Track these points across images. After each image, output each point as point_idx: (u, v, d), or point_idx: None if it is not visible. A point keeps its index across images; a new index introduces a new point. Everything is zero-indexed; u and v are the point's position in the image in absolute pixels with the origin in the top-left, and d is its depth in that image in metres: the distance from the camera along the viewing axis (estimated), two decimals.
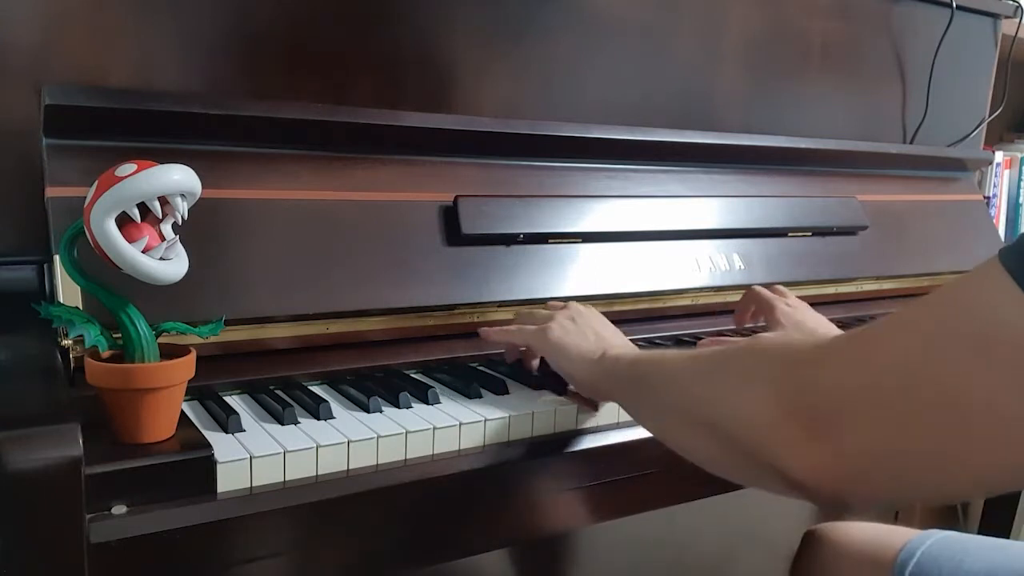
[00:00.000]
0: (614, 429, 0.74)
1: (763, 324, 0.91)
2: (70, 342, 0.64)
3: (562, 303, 0.79)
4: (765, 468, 0.46)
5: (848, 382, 0.43)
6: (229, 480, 0.57)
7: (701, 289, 1.00)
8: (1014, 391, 0.37)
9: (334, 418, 0.66)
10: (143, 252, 0.56)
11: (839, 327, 1.08)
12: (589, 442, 0.72)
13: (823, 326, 0.86)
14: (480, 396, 0.74)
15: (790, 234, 1.09)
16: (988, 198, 1.76)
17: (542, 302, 0.87)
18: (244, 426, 0.63)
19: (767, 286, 0.94)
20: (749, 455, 0.48)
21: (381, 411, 0.68)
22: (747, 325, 0.96)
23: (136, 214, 0.56)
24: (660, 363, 0.61)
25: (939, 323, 0.41)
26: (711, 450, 0.53)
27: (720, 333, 1.03)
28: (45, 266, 0.76)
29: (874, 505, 0.46)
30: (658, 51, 1.13)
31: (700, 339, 0.99)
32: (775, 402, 0.45)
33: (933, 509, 1.78)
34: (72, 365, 0.65)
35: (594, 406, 0.74)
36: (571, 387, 0.76)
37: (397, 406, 0.69)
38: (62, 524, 0.48)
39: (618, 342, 0.73)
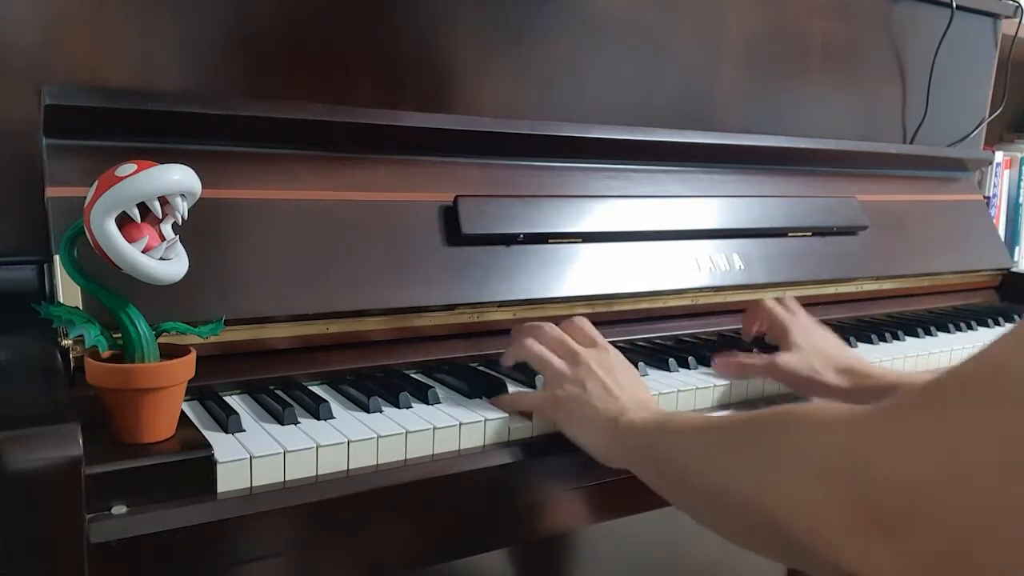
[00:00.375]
0: None
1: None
2: (70, 342, 0.64)
3: (574, 346, 0.73)
4: (827, 566, 0.42)
5: (919, 474, 0.38)
6: (229, 480, 0.57)
7: (701, 289, 1.00)
8: None
9: (334, 418, 0.66)
10: (143, 252, 0.56)
11: (839, 327, 1.09)
12: None
13: (840, 350, 0.83)
14: (480, 396, 0.74)
15: (790, 234, 1.09)
16: (988, 198, 1.76)
17: (542, 302, 0.87)
18: (244, 426, 0.63)
19: (774, 294, 0.92)
20: (802, 549, 0.43)
21: (381, 411, 0.68)
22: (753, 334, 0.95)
23: (136, 214, 0.56)
24: (682, 435, 0.57)
25: (996, 386, 0.37)
26: (753, 537, 0.49)
27: (720, 335, 1.03)
28: (45, 266, 0.76)
29: None
30: (658, 51, 1.13)
31: (702, 340, 0.99)
32: (829, 493, 0.41)
33: None
34: (72, 365, 0.65)
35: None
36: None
37: (397, 406, 0.69)
38: (62, 524, 0.48)
39: (634, 401, 0.67)
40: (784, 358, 0.81)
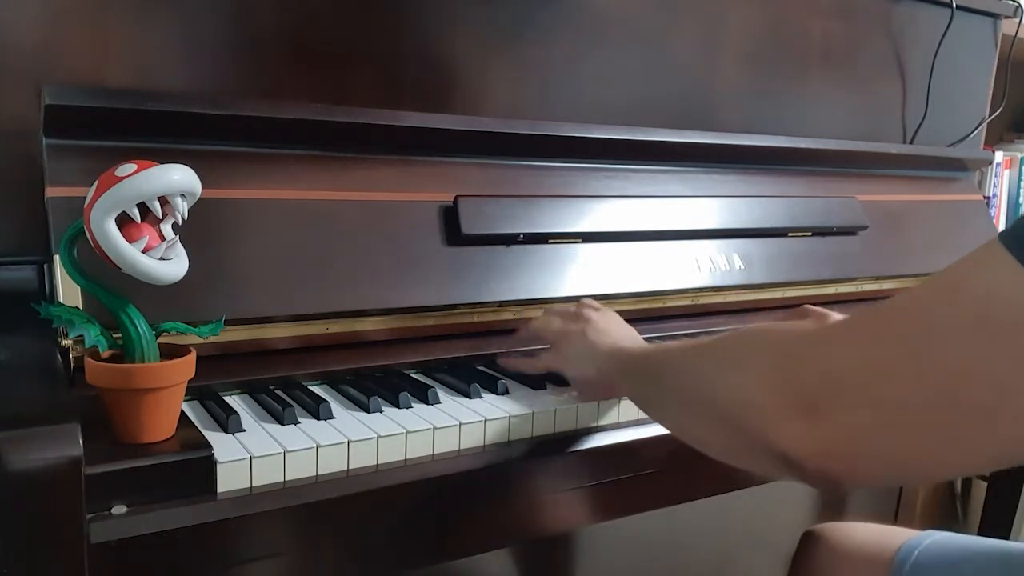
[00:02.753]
0: (614, 429, 0.74)
1: None
2: (70, 342, 0.64)
3: (575, 305, 0.79)
4: (762, 449, 0.47)
5: (845, 360, 0.43)
6: (229, 480, 0.57)
7: (701, 289, 1.00)
8: (1017, 367, 0.37)
9: (334, 418, 0.66)
10: (143, 252, 0.56)
11: None
12: (589, 442, 0.72)
13: None
14: (480, 396, 0.74)
15: (790, 234, 1.09)
16: (988, 198, 1.76)
17: (542, 302, 0.87)
18: (244, 426, 0.63)
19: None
20: (747, 436, 0.48)
21: (381, 411, 0.68)
22: None
23: (136, 214, 0.56)
24: (666, 351, 0.62)
25: (939, 304, 0.41)
26: (712, 435, 0.54)
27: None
28: (45, 266, 0.76)
29: (867, 484, 0.47)
30: (658, 51, 1.13)
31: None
32: (771, 380, 0.46)
33: (933, 509, 1.78)
34: (72, 365, 0.65)
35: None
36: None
37: (397, 406, 0.69)
38: (62, 524, 0.48)
39: (630, 337, 0.73)
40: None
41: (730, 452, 0.53)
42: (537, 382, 0.78)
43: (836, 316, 0.88)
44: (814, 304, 0.92)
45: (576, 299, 0.90)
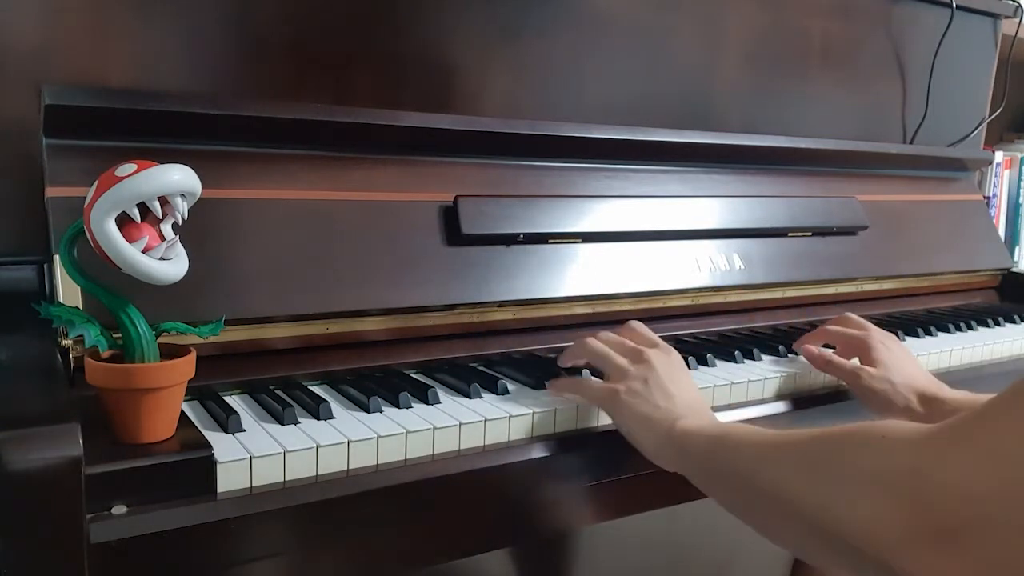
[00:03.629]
0: (614, 429, 0.74)
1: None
2: (70, 342, 0.64)
3: (637, 344, 0.74)
4: (881, 570, 0.43)
5: (978, 484, 0.39)
6: (229, 480, 0.57)
7: (701, 289, 1.00)
8: None
9: (334, 418, 0.66)
10: (143, 252, 0.56)
11: None
12: (589, 442, 0.72)
13: (920, 372, 0.83)
14: (480, 396, 0.74)
15: (790, 234, 1.09)
16: (988, 198, 1.76)
17: (542, 302, 0.88)
18: (244, 426, 0.63)
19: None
20: (863, 559, 0.45)
21: (381, 411, 0.68)
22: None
23: (136, 214, 0.56)
24: (742, 444, 0.58)
25: None
26: (814, 548, 0.51)
27: (720, 335, 1.03)
28: (45, 266, 0.76)
29: None
30: (658, 51, 1.13)
31: (702, 340, 0.99)
32: (893, 506, 0.42)
33: None
34: (72, 365, 0.65)
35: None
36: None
37: (397, 406, 0.69)
38: (62, 524, 0.48)
39: (692, 403, 0.69)
40: (869, 372, 0.82)
41: (835, 564, 0.49)
42: (537, 382, 0.78)
43: (875, 330, 0.87)
44: (815, 305, 0.92)
45: (577, 299, 0.90)
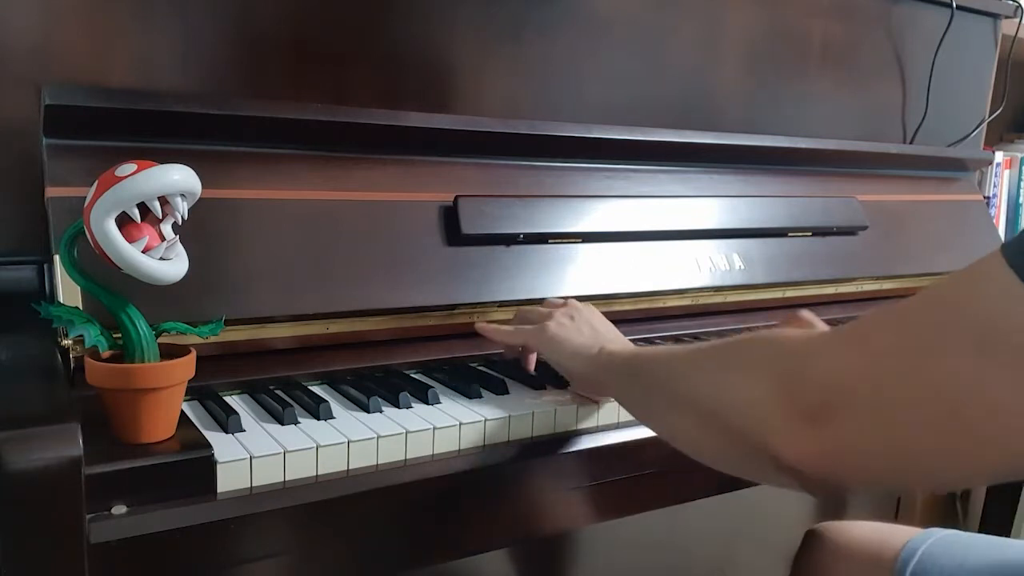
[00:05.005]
0: (614, 429, 0.74)
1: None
2: (70, 342, 0.64)
3: (561, 300, 0.80)
4: (761, 456, 0.47)
5: (845, 372, 0.44)
6: (229, 480, 0.57)
7: (701, 289, 1.00)
8: (1017, 387, 0.37)
9: (334, 418, 0.66)
10: (143, 252, 0.56)
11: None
12: (589, 442, 0.72)
13: None
14: (480, 396, 0.74)
15: (790, 234, 1.09)
16: (988, 198, 1.76)
17: (542, 302, 0.87)
18: (244, 426, 0.63)
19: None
20: (745, 443, 0.48)
21: (381, 411, 0.68)
22: None
23: (136, 214, 0.56)
24: (657, 356, 0.62)
25: (939, 318, 0.41)
26: (708, 440, 0.54)
27: (720, 335, 1.03)
28: (45, 266, 0.76)
29: (868, 492, 0.48)
30: (658, 51, 1.13)
31: (702, 340, 0.99)
32: (771, 389, 0.46)
33: (934, 508, 1.78)
34: (72, 365, 0.65)
35: (595, 401, 0.74)
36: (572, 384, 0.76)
37: (397, 406, 0.69)
38: (62, 524, 0.48)
39: (615, 337, 0.73)
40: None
41: (724, 457, 0.53)
42: (537, 382, 0.78)
43: (822, 325, 0.88)
44: (815, 304, 0.92)
45: (576, 300, 0.90)
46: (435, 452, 0.66)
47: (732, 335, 0.56)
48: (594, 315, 0.76)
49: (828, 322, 0.91)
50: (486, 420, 0.68)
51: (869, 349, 0.44)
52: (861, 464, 0.44)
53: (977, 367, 0.38)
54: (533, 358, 0.81)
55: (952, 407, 0.39)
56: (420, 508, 0.64)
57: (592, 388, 0.74)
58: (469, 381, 0.76)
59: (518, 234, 0.87)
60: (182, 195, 0.58)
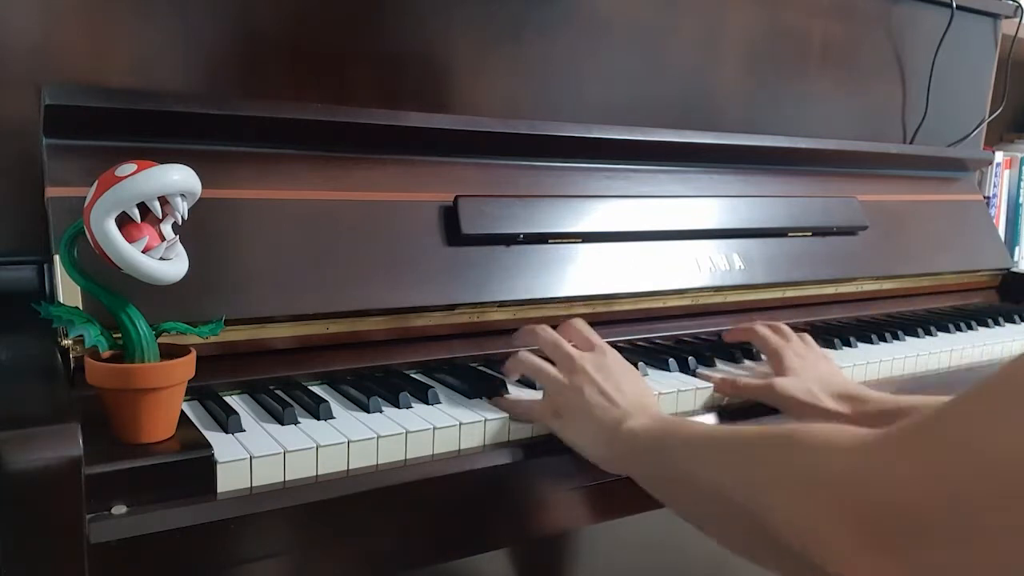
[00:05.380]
0: None
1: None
2: (70, 342, 0.64)
3: (570, 350, 0.73)
4: (817, 572, 0.43)
5: (920, 490, 0.38)
6: (229, 480, 0.57)
7: (701, 289, 1.00)
8: None
9: (334, 418, 0.66)
10: (143, 252, 0.56)
11: (839, 327, 1.08)
12: None
13: (836, 375, 0.82)
14: (480, 396, 0.74)
15: (790, 234, 1.09)
16: (988, 198, 1.76)
17: (542, 302, 0.87)
18: (244, 426, 0.63)
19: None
20: (800, 560, 0.44)
21: (381, 411, 0.68)
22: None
23: (136, 214, 0.56)
24: (685, 440, 0.58)
25: (1011, 419, 0.36)
26: (751, 545, 0.51)
27: (720, 335, 1.03)
28: (45, 266, 0.76)
29: None
30: (658, 51, 1.13)
31: (702, 340, 0.99)
32: (833, 509, 0.42)
33: None
34: (72, 365, 0.65)
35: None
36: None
37: (397, 406, 0.69)
38: (62, 524, 0.48)
39: (632, 407, 0.67)
40: (782, 382, 0.80)
41: (764, 560, 0.50)
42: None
43: (797, 341, 0.87)
44: (815, 305, 0.92)
45: (576, 299, 0.90)
46: (435, 452, 0.66)
47: (758, 426, 0.53)
48: (609, 375, 0.69)
49: (828, 323, 0.91)
50: (486, 420, 0.68)
51: (940, 463, 0.38)
52: None
53: None
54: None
55: None
56: (420, 508, 0.64)
57: (611, 470, 0.67)
58: (469, 381, 0.76)
59: (518, 234, 0.87)
60: (182, 195, 0.58)
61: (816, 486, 0.44)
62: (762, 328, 0.89)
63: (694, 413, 0.80)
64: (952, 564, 0.38)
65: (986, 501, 0.36)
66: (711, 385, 0.82)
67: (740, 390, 0.82)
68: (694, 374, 0.85)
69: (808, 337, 0.88)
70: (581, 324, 0.77)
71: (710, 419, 0.80)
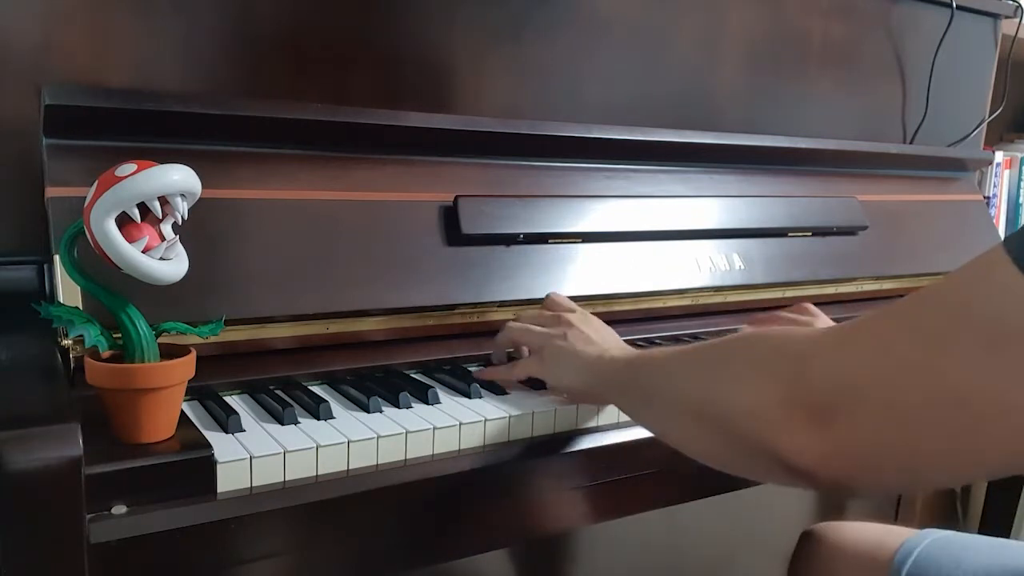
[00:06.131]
0: (614, 429, 0.74)
1: None
2: (70, 342, 0.64)
3: (550, 311, 0.78)
4: (766, 458, 0.47)
5: (851, 371, 0.43)
6: (229, 480, 0.57)
7: (701, 289, 1.00)
8: (1020, 383, 0.37)
9: (334, 418, 0.66)
10: (143, 252, 0.56)
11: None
12: (589, 442, 0.72)
13: None
14: (480, 396, 0.74)
15: (790, 234, 1.09)
16: (988, 198, 1.76)
17: (542, 302, 0.87)
18: (244, 426, 0.63)
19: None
20: (750, 445, 0.48)
21: (381, 411, 0.68)
22: None
23: (136, 214, 0.56)
24: (656, 359, 0.61)
25: (945, 316, 0.41)
26: (711, 442, 0.53)
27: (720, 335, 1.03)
28: (45, 266, 0.76)
29: (877, 490, 0.47)
30: (658, 51, 1.13)
31: (702, 340, 0.99)
32: (776, 391, 0.46)
33: (933, 508, 1.78)
34: (72, 365, 0.65)
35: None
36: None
37: (397, 406, 0.69)
38: (62, 524, 0.48)
39: (615, 344, 0.72)
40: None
41: (729, 460, 0.53)
42: (537, 382, 0.78)
43: (826, 319, 0.88)
44: (814, 304, 0.92)
45: (576, 299, 0.90)
46: (435, 452, 0.66)
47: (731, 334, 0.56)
48: (591, 324, 0.75)
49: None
50: (486, 420, 0.68)
51: (874, 347, 0.43)
52: (871, 464, 0.44)
53: (986, 365, 0.38)
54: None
55: (962, 405, 0.39)
56: (420, 508, 0.64)
57: (591, 400, 0.72)
58: (469, 381, 0.76)
59: (518, 234, 0.87)
60: (182, 195, 0.58)
61: (762, 366, 0.48)
62: (785, 313, 0.91)
63: None
64: (886, 437, 0.42)
65: (915, 379, 0.41)
66: None
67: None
68: None
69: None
70: (559, 295, 0.82)
71: None
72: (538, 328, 0.76)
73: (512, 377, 0.76)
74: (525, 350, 0.80)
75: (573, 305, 0.80)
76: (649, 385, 0.61)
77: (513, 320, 0.80)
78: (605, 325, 0.76)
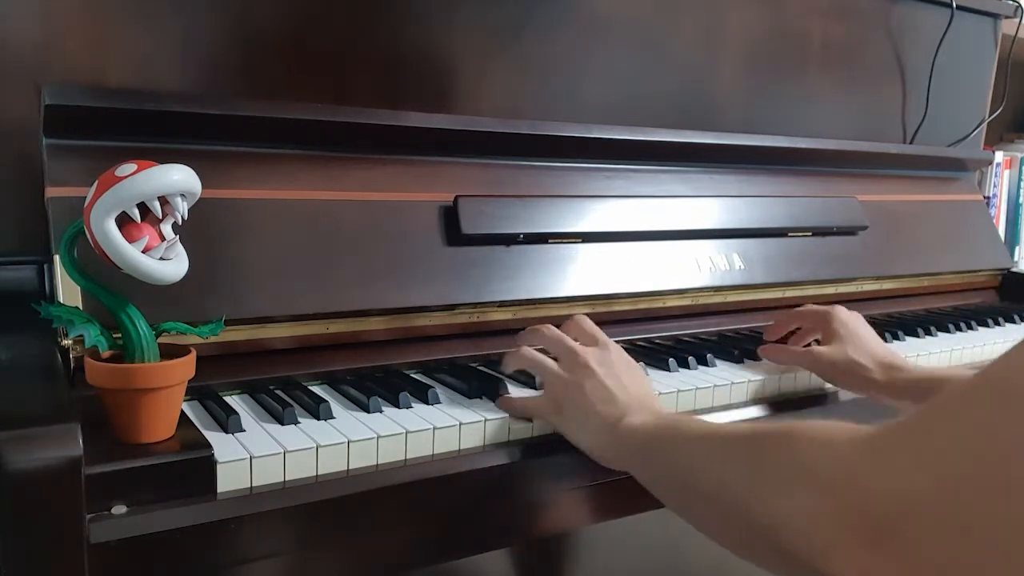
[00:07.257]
0: None
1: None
2: (70, 342, 0.64)
3: (572, 347, 0.72)
4: (810, 571, 0.43)
5: (914, 479, 0.38)
6: (229, 480, 0.57)
7: (701, 289, 1.00)
8: None
9: (334, 418, 0.66)
10: (143, 252, 0.56)
11: None
12: None
13: (878, 343, 0.86)
14: (480, 396, 0.74)
15: (790, 234, 1.09)
16: (988, 198, 1.76)
17: (542, 302, 0.87)
18: (244, 426, 0.63)
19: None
20: (795, 560, 0.44)
21: (381, 411, 0.68)
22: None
23: (136, 214, 0.56)
24: (683, 435, 0.58)
25: (1006, 411, 0.36)
26: (747, 543, 0.50)
27: (720, 335, 1.03)
28: (45, 266, 0.76)
29: None
30: (658, 51, 1.13)
31: (702, 340, 0.99)
32: (823, 505, 0.42)
33: None
34: (72, 365, 0.65)
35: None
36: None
37: (397, 406, 0.69)
38: (62, 524, 0.48)
39: (640, 398, 0.67)
40: (823, 348, 0.85)
41: (763, 562, 0.49)
42: (538, 382, 0.78)
43: (841, 311, 0.88)
44: (814, 304, 0.92)
45: (576, 299, 0.90)
46: (435, 452, 0.66)
47: (749, 427, 0.53)
48: (611, 370, 0.69)
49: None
50: (486, 420, 0.68)
51: (929, 450, 0.38)
52: None
53: None
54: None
55: None
56: (420, 508, 0.64)
57: (608, 464, 0.66)
58: (469, 381, 0.76)
59: (518, 234, 0.87)
60: (182, 195, 0.58)
61: (809, 476, 0.44)
62: (809, 307, 0.93)
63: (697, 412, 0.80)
64: (951, 559, 0.37)
65: (982, 494, 0.35)
66: (711, 385, 0.81)
67: (785, 354, 0.88)
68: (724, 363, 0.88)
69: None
70: (584, 320, 0.77)
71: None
72: (552, 367, 0.71)
73: (527, 414, 0.70)
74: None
75: (597, 333, 0.75)
76: (676, 466, 0.58)
77: (524, 343, 0.76)
78: (627, 361, 0.72)
